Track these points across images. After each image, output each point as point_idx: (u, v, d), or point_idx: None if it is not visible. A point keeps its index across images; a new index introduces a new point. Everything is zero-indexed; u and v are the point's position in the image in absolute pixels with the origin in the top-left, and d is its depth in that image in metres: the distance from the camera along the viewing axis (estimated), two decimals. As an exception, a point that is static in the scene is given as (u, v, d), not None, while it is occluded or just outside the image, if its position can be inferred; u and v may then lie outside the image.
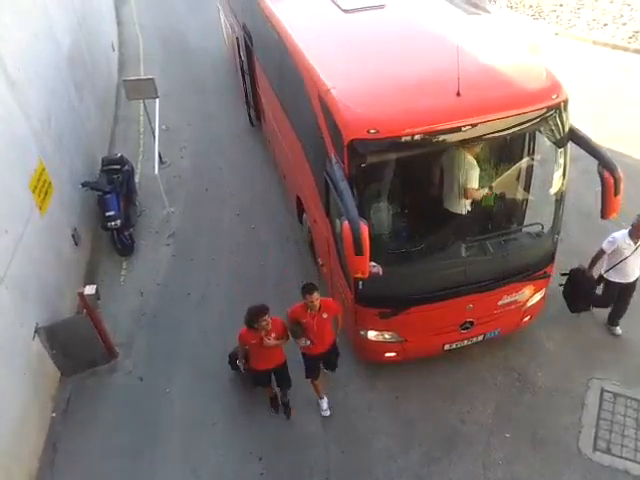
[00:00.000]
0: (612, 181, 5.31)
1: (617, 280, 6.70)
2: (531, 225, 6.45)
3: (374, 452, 6.39)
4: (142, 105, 11.07)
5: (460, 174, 6.03)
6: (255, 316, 5.86)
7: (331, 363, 6.68)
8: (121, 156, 10.21)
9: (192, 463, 6.51)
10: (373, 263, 5.45)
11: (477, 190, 6.05)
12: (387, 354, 6.78)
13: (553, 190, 6.05)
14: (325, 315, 6.02)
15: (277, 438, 6.63)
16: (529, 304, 6.74)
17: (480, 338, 6.80)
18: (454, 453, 6.31)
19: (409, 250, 6.12)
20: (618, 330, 7.19)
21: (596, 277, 6.92)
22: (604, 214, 5.53)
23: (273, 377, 6.62)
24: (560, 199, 6.12)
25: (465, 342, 6.76)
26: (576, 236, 8.09)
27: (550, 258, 6.51)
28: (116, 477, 6.48)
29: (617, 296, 6.92)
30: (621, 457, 6.11)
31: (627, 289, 6.80)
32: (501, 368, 7.03)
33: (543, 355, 7.12)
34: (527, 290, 6.52)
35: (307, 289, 5.88)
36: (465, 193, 6.07)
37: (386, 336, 6.56)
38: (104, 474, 6.51)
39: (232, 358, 7.07)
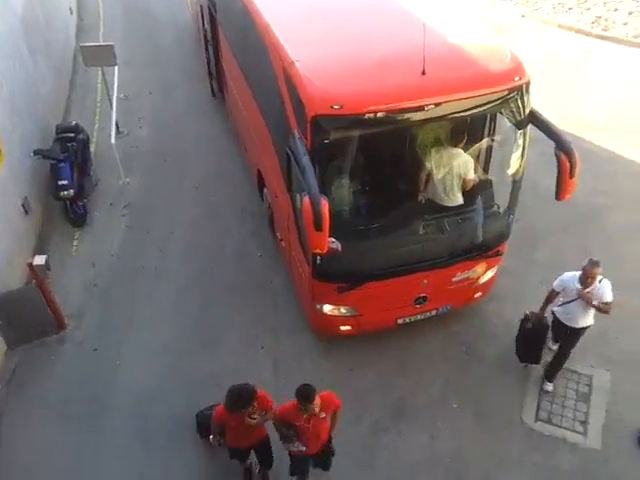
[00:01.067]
0: (568, 164, 5.45)
1: (563, 320, 6.26)
2: (488, 205, 6.62)
3: (326, 422, 6.50)
4: (100, 72, 10.74)
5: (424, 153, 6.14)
6: (241, 404, 4.84)
7: (323, 463, 5.66)
8: (76, 124, 9.92)
9: (143, 434, 6.49)
10: (332, 239, 5.49)
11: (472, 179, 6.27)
12: (342, 327, 6.89)
13: (511, 171, 6.18)
14: (323, 415, 4.91)
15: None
16: (481, 281, 6.95)
17: (433, 313, 6.98)
18: (403, 423, 6.50)
19: (368, 227, 6.20)
20: (549, 386, 6.70)
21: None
22: (559, 196, 5.70)
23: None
24: (517, 180, 6.27)
25: (418, 317, 6.93)
26: (531, 217, 8.34)
27: (504, 237, 6.71)
28: (64, 448, 6.40)
29: (561, 342, 6.57)
30: (561, 427, 6.42)
31: (571, 336, 6.33)
32: (451, 342, 7.24)
33: (491, 330, 7.35)
34: (480, 268, 6.72)
35: (306, 397, 4.67)
36: (464, 183, 6.28)
37: (342, 310, 6.66)
38: (52, 444, 6.43)
39: (201, 425, 6.23)
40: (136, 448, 6.39)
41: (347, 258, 6.03)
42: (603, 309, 5.90)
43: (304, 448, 5.09)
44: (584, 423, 6.44)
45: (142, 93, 11.56)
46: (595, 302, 5.84)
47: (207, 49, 11.35)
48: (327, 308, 6.64)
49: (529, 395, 6.68)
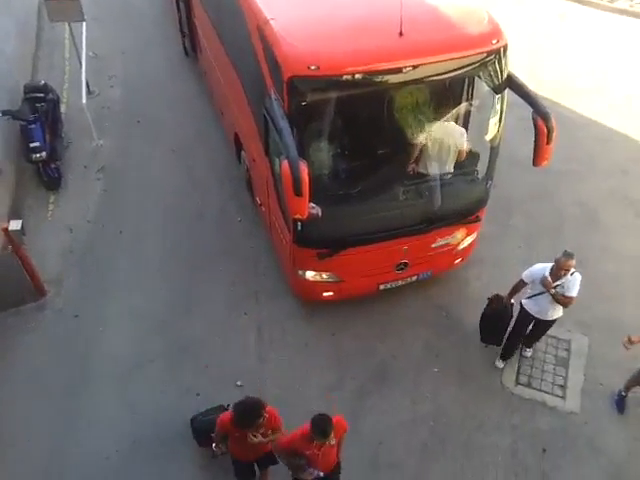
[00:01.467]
0: (545, 130, 5.43)
1: (531, 312, 6.13)
2: (466, 170, 6.59)
3: (310, 387, 6.59)
4: (67, 28, 10.27)
5: (402, 116, 6.05)
6: (246, 422, 4.58)
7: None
8: (45, 84, 9.53)
9: (128, 400, 6.51)
10: (312, 204, 5.45)
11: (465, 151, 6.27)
12: (324, 293, 6.91)
13: (489, 137, 6.16)
14: (333, 441, 4.59)
15: (215, 374, 6.70)
16: (461, 247, 6.98)
17: (414, 279, 7.03)
18: (385, 387, 6.61)
19: (348, 192, 6.14)
20: (528, 352, 6.79)
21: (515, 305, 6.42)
22: (536, 162, 5.70)
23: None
24: (495, 146, 6.25)
25: (399, 282, 6.97)
26: (508, 183, 8.35)
27: (482, 203, 6.71)
28: (47, 416, 6.40)
29: (531, 328, 6.39)
30: (540, 390, 6.58)
31: (540, 325, 6.28)
32: (432, 307, 7.33)
33: (471, 295, 7.43)
34: (459, 234, 6.74)
35: (323, 432, 4.37)
36: (458, 155, 6.28)
37: (324, 276, 6.66)
38: (35, 413, 6.42)
39: (198, 432, 5.89)
40: (121, 415, 6.41)
41: (327, 224, 5.99)
42: (562, 301, 5.79)
43: (321, 474, 4.83)
44: (563, 387, 6.59)
45: (112, 51, 11.11)
46: (552, 291, 5.71)
47: (178, 6, 10.87)
48: (309, 274, 6.63)
49: (509, 360, 6.79)
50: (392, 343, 6.97)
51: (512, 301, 6.31)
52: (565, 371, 6.72)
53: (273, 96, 5.46)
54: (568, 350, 6.90)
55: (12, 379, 6.69)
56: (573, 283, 5.70)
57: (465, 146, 6.29)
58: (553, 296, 5.76)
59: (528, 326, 6.35)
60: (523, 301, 6.20)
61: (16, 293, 7.22)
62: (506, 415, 6.37)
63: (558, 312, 6.06)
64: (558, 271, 5.63)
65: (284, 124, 5.16)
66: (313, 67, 5.06)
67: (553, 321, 6.21)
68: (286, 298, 7.37)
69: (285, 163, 4.88)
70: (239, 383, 6.61)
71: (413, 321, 7.18)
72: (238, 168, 8.78)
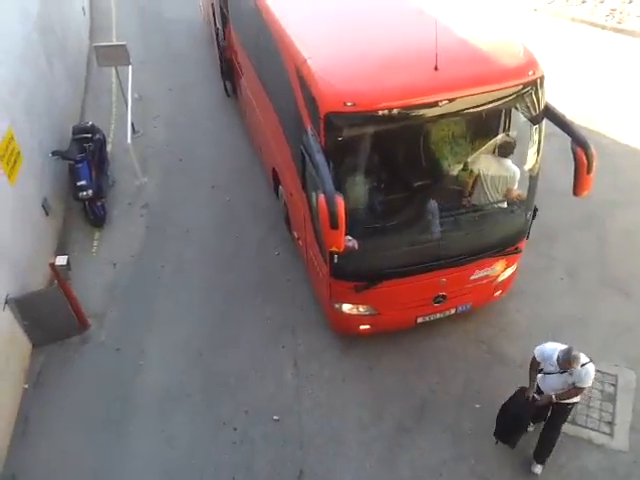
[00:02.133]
0: (585, 159, 5.37)
1: (542, 387, 5.61)
2: (504, 201, 6.52)
3: (347, 422, 6.50)
4: (114, 72, 10.79)
5: (438, 149, 6.08)
6: None
7: None
8: (92, 124, 9.98)
9: (166, 434, 6.55)
10: (349, 237, 5.49)
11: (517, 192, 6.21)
12: (361, 327, 6.85)
13: (527, 167, 6.11)
14: None
15: (252, 408, 6.70)
16: (501, 279, 6.86)
17: (452, 311, 6.91)
18: (425, 423, 6.45)
19: (384, 224, 6.14)
20: (538, 468, 5.97)
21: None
22: (577, 192, 5.61)
23: None
24: (534, 176, 6.18)
25: (438, 315, 6.87)
26: (549, 213, 8.18)
27: (522, 234, 6.60)
28: (88, 448, 6.48)
29: (546, 419, 5.84)
30: (586, 427, 6.31)
31: (556, 412, 5.68)
32: (472, 340, 7.17)
33: (513, 328, 7.27)
34: (499, 265, 6.63)
35: None
36: (508, 193, 6.23)
37: (360, 309, 6.62)
38: (77, 445, 6.50)
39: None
40: (160, 448, 6.44)
41: (364, 256, 6.00)
42: (572, 394, 5.39)
43: None
44: (610, 424, 6.32)
45: (156, 93, 11.61)
46: (553, 399, 5.37)
47: (219, 49, 11.33)
48: (346, 307, 6.61)
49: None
50: (431, 378, 6.83)
51: (536, 396, 5.64)
52: (612, 407, 6.44)
53: (310, 132, 5.57)
54: (615, 385, 6.62)
55: (55, 410, 6.83)
56: (586, 375, 5.23)
57: (516, 186, 6.22)
58: (557, 397, 5.39)
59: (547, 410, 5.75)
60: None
61: (61, 326, 7.42)
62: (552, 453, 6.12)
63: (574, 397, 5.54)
64: (564, 364, 5.14)
65: (321, 159, 5.24)
66: (349, 103, 5.15)
67: (568, 407, 5.63)
68: (323, 331, 7.35)
69: (322, 197, 4.94)
70: (276, 417, 6.58)
71: (453, 355, 7.04)
72: (276, 202, 8.92)
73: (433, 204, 6.09)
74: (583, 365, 5.19)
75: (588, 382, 5.29)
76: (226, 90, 11.80)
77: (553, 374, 5.39)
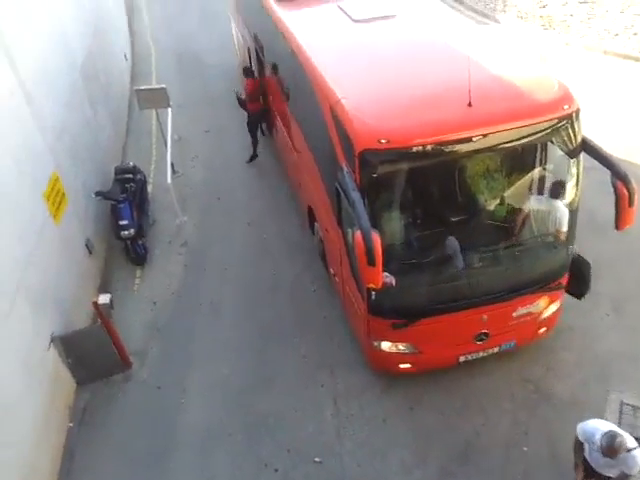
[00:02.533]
0: (626, 192, 5.26)
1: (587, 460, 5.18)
2: (545, 236, 6.39)
3: (390, 465, 6.34)
4: (154, 115, 11.15)
5: (474, 184, 6.03)
6: None
7: None
8: (134, 165, 10.29)
9: (207, 473, 6.50)
10: (386, 273, 5.44)
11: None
12: (401, 365, 6.73)
13: (566, 201, 6.00)
14: None
15: (293, 448, 6.61)
16: (544, 315, 6.66)
17: (495, 350, 6.73)
18: (469, 467, 6.24)
19: (422, 260, 6.08)
20: None
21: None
22: (618, 225, 5.49)
23: None
24: (574, 210, 6.06)
25: (480, 354, 6.70)
26: (591, 247, 7.97)
27: (564, 269, 6.44)
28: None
29: None
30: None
31: None
32: (517, 380, 6.95)
33: (560, 366, 7.03)
34: (542, 301, 6.46)
35: None
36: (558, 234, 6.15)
37: (400, 347, 6.52)
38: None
39: None
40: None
41: (402, 293, 5.94)
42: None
43: None
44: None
45: (194, 135, 11.93)
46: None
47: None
48: (385, 345, 6.51)
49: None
50: (475, 419, 6.62)
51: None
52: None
53: (345, 169, 5.62)
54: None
55: (99, 448, 6.88)
56: (634, 462, 4.76)
57: (565, 227, 6.10)
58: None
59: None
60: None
61: (104, 364, 7.53)
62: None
63: None
64: (607, 451, 4.70)
65: (356, 195, 5.27)
66: (383, 140, 5.20)
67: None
68: (362, 370, 7.23)
69: (358, 234, 4.94)
70: (317, 459, 6.47)
71: (498, 395, 6.81)
72: (311, 240, 8.95)
73: (452, 241, 6.02)
74: (629, 451, 4.71)
75: (636, 470, 4.79)
76: (262, 130, 12.04)
77: (599, 453, 4.87)
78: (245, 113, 11.26)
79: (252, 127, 11.27)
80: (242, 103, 11.25)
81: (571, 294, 6.57)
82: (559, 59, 13.18)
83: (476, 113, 5.36)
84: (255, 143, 11.41)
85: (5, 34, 7.11)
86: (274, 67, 9.42)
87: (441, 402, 6.80)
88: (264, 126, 11.80)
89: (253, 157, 11.52)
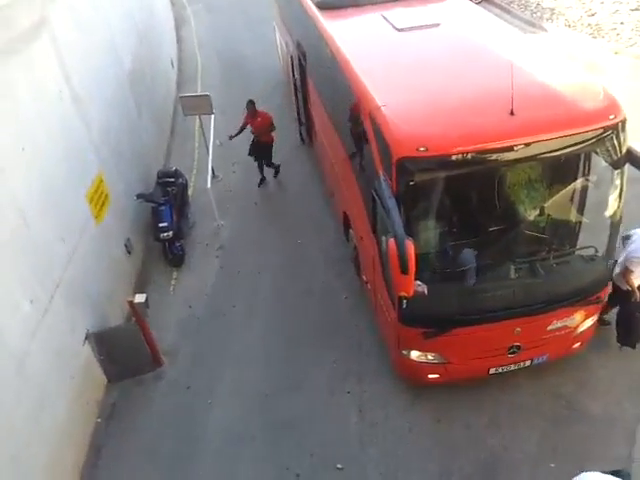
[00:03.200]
0: None
1: None
2: (584, 248, 6.25)
3: (413, 476, 6.25)
4: (198, 120, 11.39)
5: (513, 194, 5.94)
6: None
7: None
8: (176, 169, 10.51)
9: (228, 474, 6.54)
10: (418, 282, 5.40)
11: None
12: (430, 375, 6.65)
13: (608, 213, 5.85)
14: None
15: (315, 454, 6.60)
16: (580, 330, 6.49)
17: (527, 363, 6.59)
18: (496, 481, 6.11)
19: (455, 270, 6.02)
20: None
21: None
22: None
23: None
24: (616, 222, 5.91)
25: (512, 367, 6.56)
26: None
27: (603, 283, 6.28)
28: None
29: None
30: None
31: None
32: (548, 395, 6.78)
33: (594, 383, 6.84)
34: (578, 315, 6.29)
35: None
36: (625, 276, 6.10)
37: (429, 357, 6.45)
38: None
39: None
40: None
41: (434, 302, 5.88)
42: None
43: None
44: None
45: (236, 140, 12.06)
46: None
47: (296, 97, 11.77)
48: (414, 354, 6.46)
49: (637, 458, 6.04)
50: (504, 433, 6.48)
51: None
52: None
53: (382, 176, 5.61)
54: None
55: (126, 444, 6.99)
56: None
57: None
58: None
59: None
60: None
61: (136, 363, 7.68)
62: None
63: None
64: None
65: (392, 203, 5.25)
66: (422, 149, 5.16)
67: None
68: (390, 379, 7.18)
69: (392, 241, 4.93)
70: (339, 466, 6.43)
71: (527, 410, 6.66)
72: (346, 246, 8.96)
73: (468, 253, 5.93)
74: None
75: None
76: (301, 136, 12.16)
77: None
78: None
79: (259, 156, 11.14)
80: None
81: (623, 344, 6.38)
82: (607, 67, 12.88)
83: (518, 122, 5.28)
84: (261, 166, 11.23)
85: (58, 39, 7.40)
86: (316, 74, 9.51)
87: (469, 415, 6.68)
88: (304, 133, 11.89)
89: (262, 180, 11.38)
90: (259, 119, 10.69)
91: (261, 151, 11.06)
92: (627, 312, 6.35)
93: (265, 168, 11.34)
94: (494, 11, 16.27)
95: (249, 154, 11.12)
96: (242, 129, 10.90)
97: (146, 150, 11.02)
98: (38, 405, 6.01)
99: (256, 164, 11.25)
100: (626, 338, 6.44)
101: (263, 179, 11.39)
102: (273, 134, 10.96)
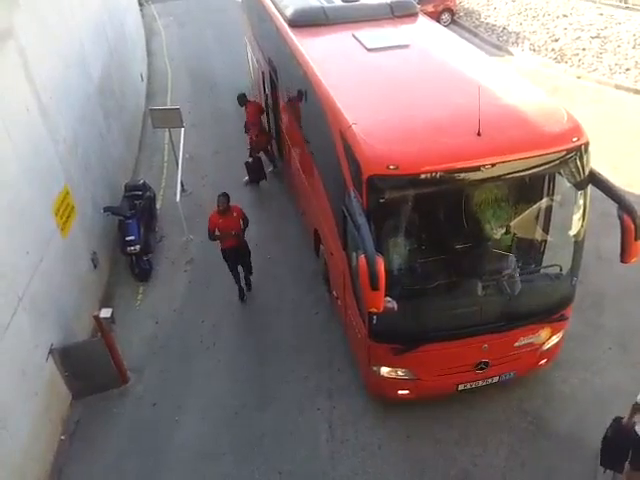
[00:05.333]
0: (632, 225, 5.26)
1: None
2: (549, 267, 6.40)
3: (383, 492, 6.25)
4: (167, 134, 11.33)
5: (480, 212, 6.06)
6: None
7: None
8: (144, 182, 10.40)
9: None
10: (388, 298, 5.43)
11: None
12: (400, 391, 6.68)
13: (572, 232, 6.00)
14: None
15: (285, 471, 6.54)
16: (546, 347, 6.62)
17: (495, 379, 6.67)
18: (466, 497, 6.15)
19: (424, 287, 6.09)
20: None
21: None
22: (624, 259, 5.46)
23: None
24: (579, 241, 6.07)
25: (480, 383, 6.63)
26: (595, 279, 8.00)
27: (568, 301, 6.42)
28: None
29: None
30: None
31: None
32: (515, 411, 6.88)
33: (558, 399, 6.96)
34: (544, 332, 6.42)
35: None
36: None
37: (399, 373, 6.48)
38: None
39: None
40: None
41: (403, 318, 5.94)
42: None
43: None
44: None
45: (205, 154, 12.10)
46: None
47: (267, 113, 11.78)
48: (384, 370, 6.48)
49: (600, 473, 6.08)
50: (473, 449, 6.53)
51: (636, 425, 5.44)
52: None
53: (352, 194, 5.65)
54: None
55: (90, 463, 6.82)
56: None
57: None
58: None
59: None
60: (637, 428, 5.41)
61: (101, 378, 7.52)
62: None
63: None
64: None
65: (362, 220, 5.28)
66: (392, 167, 5.23)
67: None
68: (360, 396, 7.18)
69: (362, 257, 4.95)
70: (310, 483, 6.38)
71: (496, 425, 6.74)
72: (316, 262, 8.97)
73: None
74: None
75: None
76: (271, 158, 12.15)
77: None
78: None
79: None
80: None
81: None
82: (570, 92, 13.30)
83: (485, 142, 5.40)
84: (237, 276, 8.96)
85: (25, 50, 7.29)
86: (287, 92, 9.57)
87: (438, 431, 6.73)
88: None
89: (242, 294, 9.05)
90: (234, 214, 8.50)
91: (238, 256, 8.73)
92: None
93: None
94: (462, 34, 16.67)
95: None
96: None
97: (114, 163, 10.90)
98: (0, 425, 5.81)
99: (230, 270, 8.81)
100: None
101: (242, 290, 9.00)
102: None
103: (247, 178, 11.53)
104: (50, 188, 7.62)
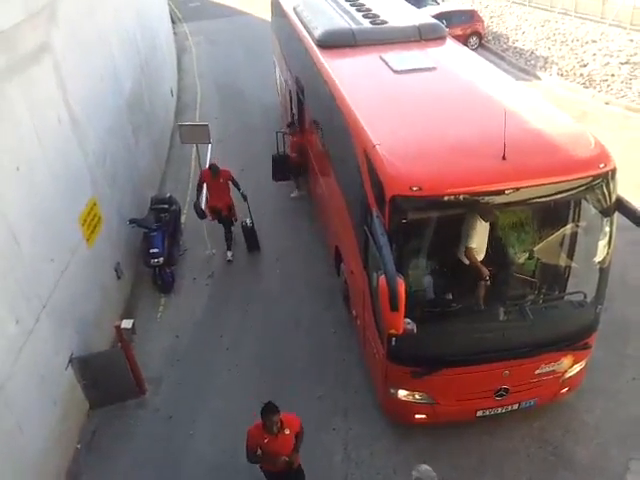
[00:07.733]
0: None
1: None
2: (574, 293, 6.30)
3: (398, 519, 6.14)
4: (195, 149, 11.48)
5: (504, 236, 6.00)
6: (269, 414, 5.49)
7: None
8: (170, 196, 10.54)
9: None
10: (408, 320, 5.39)
11: None
12: (417, 416, 6.58)
13: (597, 259, 5.89)
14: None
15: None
16: (568, 375, 6.47)
17: (515, 407, 6.54)
18: (482, 527, 6.01)
19: (445, 309, 6.04)
20: None
21: None
22: None
23: None
24: (605, 269, 5.95)
25: (499, 410, 6.50)
26: (621, 307, 7.82)
27: (592, 329, 6.29)
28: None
29: None
30: None
31: None
32: (536, 440, 6.72)
33: (581, 429, 6.79)
34: (566, 360, 6.28)
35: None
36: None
37: (417, 397, 6.39)
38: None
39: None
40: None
41: (423, 341, 5.86)
42: None
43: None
44: None
45: (232, 169, 12.13)
46: None
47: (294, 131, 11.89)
48: (401, 393, 6.40)
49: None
50: (491, 477, 6.38)
51: None
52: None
53: (375, 214, 5.65)
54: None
55: (103, 472, 6.84)
56: None
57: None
58: None
59: None
60: None
61: (119, 389, 7.56)
62: None
63: None
64: None
65: (384, 240, 5.27)
66: (415, 188, 5.21)
67: None
68: (376, 417, 7.09)
69: (382, 278, 4.93)
70: (323, 505, 6.30)
71: (515, 454, 6.59)
72: (335, 281, 8.96)
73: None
74: None
75: None
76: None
77: None
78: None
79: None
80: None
81: None
82: (598, 117, 13.17)
83: (509, 166, 5.36)
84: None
85: (60, 63, 7.50)
86: (313, 111, 9.65)
87: (456, 458, 6.58)
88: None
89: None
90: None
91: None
92: None
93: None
94: (490, 58, 16.69)
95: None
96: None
97: (141, 176, 11.06)
98: (17, 431, 5.86)
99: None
100: None
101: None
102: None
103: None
104: (78, 198, 7.76)
